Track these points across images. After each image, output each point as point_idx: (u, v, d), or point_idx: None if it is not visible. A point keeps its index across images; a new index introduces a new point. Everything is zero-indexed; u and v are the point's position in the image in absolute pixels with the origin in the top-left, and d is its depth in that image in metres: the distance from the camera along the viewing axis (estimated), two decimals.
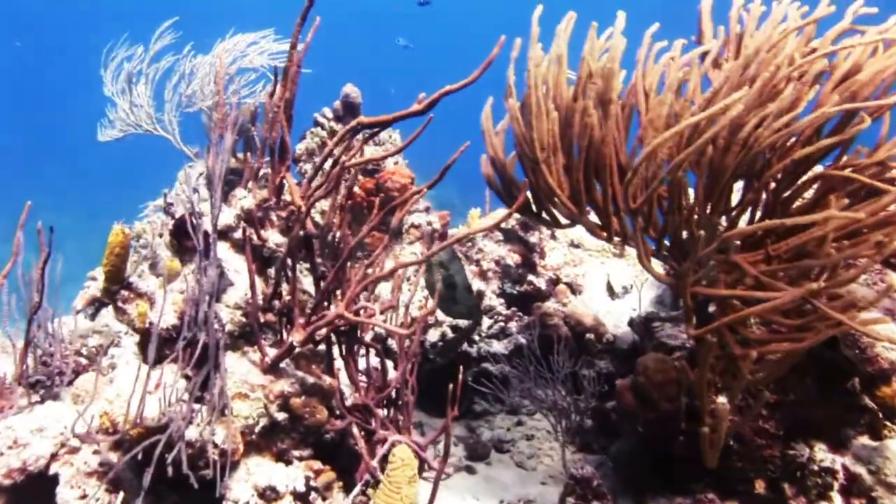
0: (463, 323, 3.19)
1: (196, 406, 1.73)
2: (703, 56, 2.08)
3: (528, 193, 2.28)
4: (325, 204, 2.23)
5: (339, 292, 2.01)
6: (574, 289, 3.41)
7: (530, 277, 3.43)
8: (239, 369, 1.89)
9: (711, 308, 2.09)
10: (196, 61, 3.95)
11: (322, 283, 1.96)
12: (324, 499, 1.89)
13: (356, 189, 3.32)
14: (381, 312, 2.10)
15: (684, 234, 1.97)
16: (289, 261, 1.94)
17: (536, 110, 2.01)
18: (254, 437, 1.85)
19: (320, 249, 2.08)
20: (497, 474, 2.70)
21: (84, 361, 2.09)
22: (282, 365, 1.94)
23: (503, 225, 3.61)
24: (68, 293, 1.90)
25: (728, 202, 1.95)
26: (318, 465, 1.93)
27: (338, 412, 2.03)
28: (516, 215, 3.18)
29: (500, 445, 2.89)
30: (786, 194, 1.97)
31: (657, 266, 2.10)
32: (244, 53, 3.96)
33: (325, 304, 1.99)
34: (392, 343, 2.71)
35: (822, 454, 2.00)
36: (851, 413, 2.02)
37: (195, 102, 3.93)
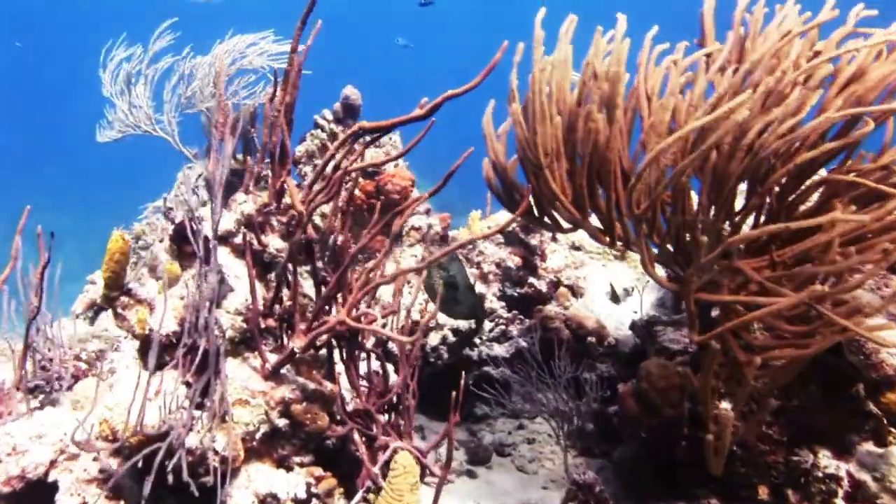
0: (463, 326, 3.17)
1: (196, 413, 1.72)
2: (709, 60, 2.07)
3: (530, 197, 2.27)
4: (325, 207, 2.22)
5: (339, 296, 2.00)
6: (575, 291, 3.40)
7: (531, 280, 3.41)
8: (240, 375, 1.88)
9: (715, 313, 2.08)
10: (195, 62, 3.94)
11: (323, 289, 1.95)
12: None
13: (357, 192, 3.30)
14: (383, 317, 2.08)
15: (688, 238, 1.95)
16: (289, 266, 1.93)
17: (540, 115, 1.99)
18: (254, 443, 1.83)
19: (321, 254, 2.06)
20: (498, 479, 2.69)
21: (83, 366, 2.08)
22: (283, 371, 1.92)
23: (503, 223, 3.60)
24: (68, 292, 1.90)
25: (732, 207, 1.93)
26: (319, 471, 1.91)
27: (338, 417, 2.01)
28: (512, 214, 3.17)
29: (502, 449, 2.88)
30: (790, 198, 1.95)
31: (661, 271, 2.09)
32: (243, 54, 3.95)
33: (327, 308, 1.98)
34: (393, 346, 2.70)
35: (827, 460, 1.99)
36: (856, 419, 2.01)
37: (195, 104, 3.92)
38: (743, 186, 2.03)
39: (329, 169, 1.91)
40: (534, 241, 3.48)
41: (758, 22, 2.12)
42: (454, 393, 1.86)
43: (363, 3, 20.14)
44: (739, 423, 1.94)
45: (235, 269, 2.01)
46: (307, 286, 2.10)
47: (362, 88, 3.82)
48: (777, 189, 1.97)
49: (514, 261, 3.41)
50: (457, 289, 2.52)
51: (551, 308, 3.19)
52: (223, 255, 2.02)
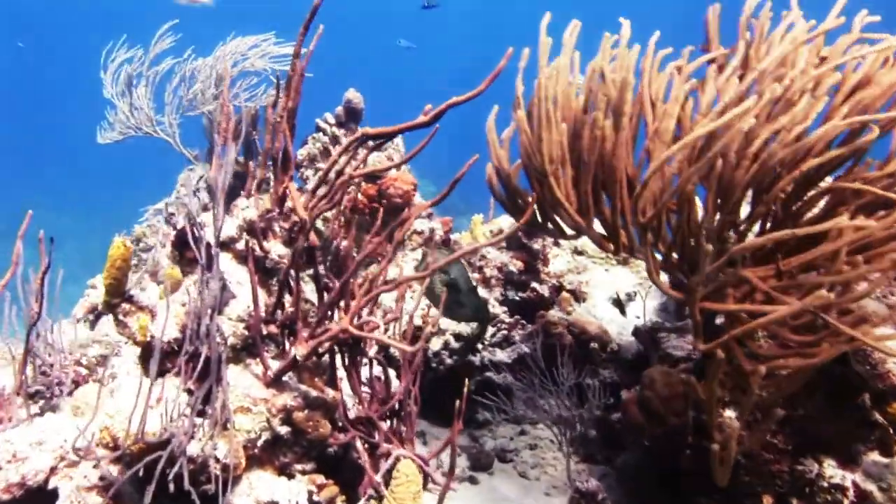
0: (465, 330, 3.16)
1: (198, 420, 1.71)
2: (718, 67, 2.05)
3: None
4: (328, 212, 2.21)
5: (342, 302, 1.98)
6: (578, 296, 3.38)
7: (533, 284, 3.40)
8: (241, 383, 1.86)
9: (719, 320, 2.07)
10: (196, 64, 3.93)
11: (325, 296, 1.94)
12: None
13: (359, 196, 3.29)
14: (385, 324, 2.07)
15: (693, 246, 1.94)
16: (292, 272, 1.91)
17: (546, 122, 1.98)
18: (256, 451, 1.82)
19: (323, 259, 2.05)
20: (500, 485, 2.68)
21: (84, 371, 2.07)
22: (284, 378, 1.91)
23: (506, 230, 3.59)
24: (68, 294, 1.88)
25: (737, 215, 1.92)
26: (321, 479, 1.90)
27: (340, 425, 2.00)
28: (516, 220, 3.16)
29: (504, 455, 2.86)
30: (796, 206, 1.94)
31: (664, 277, 2.08)
32: (245, 56, 3.94)
33: (329, 314, 1.97)
34: (395, 351, 2.69)
35: (832, 470, 1.97)
36: (862, 429, 2.00)
37: (196, 106, 3.92)
38: (748, 193, 2.02)
39: (332, 174, 1.90)
40: (536, 245, 3.46)
41: (763, 27, 2.11)
42: (458, 402, 1.85)
43: (364, 5, 20.15)
44: (745, 433, 1.93)
45: (237, 276, 1.99)
46: (308, 290, 2.09)
47: (364, 90, 3.81)
48: (782, 197, 1.96)
49: (516, 265, 3.40)
50: (459, 291, 2.51)
51: (554, 313, 3.17)
52: (225, 261, 2.01)
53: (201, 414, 1.74)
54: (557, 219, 2.28)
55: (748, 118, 1.66)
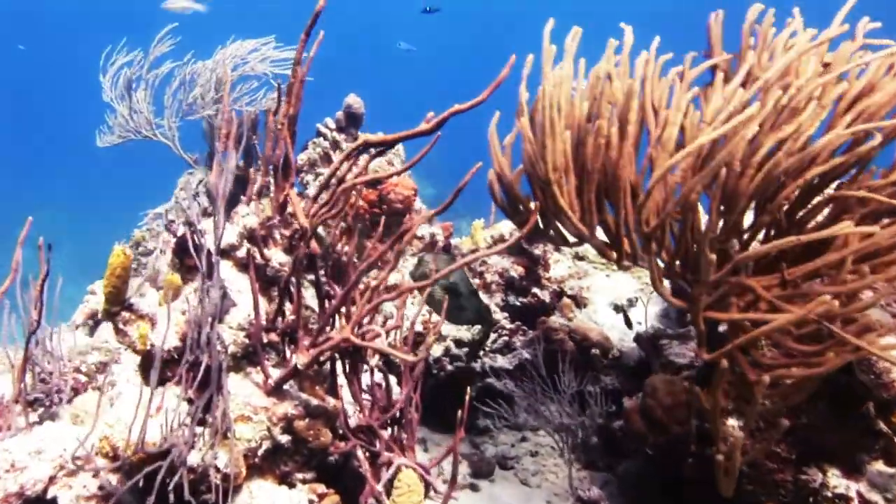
0: (466, 336, 3.15)
1: (198, 429, 1.70)
2: (725, 76, 2.04)
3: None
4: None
5: (343, 308, 1.97)
6: (579, 302, 3.37)
7: (534, 290, 3.39)
8: (242, 391, 1.85)
9: (722, 328, 2.06)
10: (196, 67, 3.92)
11: (326, 304, 1.93)
12: None
13: (359, 202, 3.28)
14: (386, 332, 2.06)
15: (696, 253, 1.93)
16: (293, 280, 1.90)
17: (550, 130, 1.97)
18: (257, 460, 1.81)
19: (324, 266, 2.04)
20: (501, 492, 2.67)
21: (83, 379, 2.05)
22: (285, 386, 1.90)
23: (507, 236, 3.58)
24: (66, 294, 1.87)
25: (741, 224, 1.91)
26: (321, 488, 1.89)
27: (341, 433, 1.99)
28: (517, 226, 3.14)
29: (504, 462, 2.85)
30: (800, 214, 1.93)
31: (669, 287, 2.06)
32: (245, 60, 3.93)
33: (330, 323, 1.96)
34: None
35: (836, 480, 1.96)
36: (866, 438, 1.98)
37: (196, 110, 3.90)
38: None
39: (333, 181, 1.89)
40: (537, 250, 3.45)
41: (767, 34, 2.10)
42: (459, 412, 1.84)
43: (365, 9, 20.15)
44: (749, 442, 1.92)
45: (238, 284, 1.98)
46: (308, 296, 2.08)
47: (365, 95, 3.80)
48: (786, 205, 1.95)
49: (517, 270, 3.38)
50: (460, 295, 2.49)
51: (555, 319, 3.16)
52: (225, 268, 2.00)
53: (202, 423, 1.73)
54: (559, 226, 2.27)
55: (752, 126, 1.65)
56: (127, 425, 1.63)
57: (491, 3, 22.57)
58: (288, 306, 1.95)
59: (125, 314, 1.94)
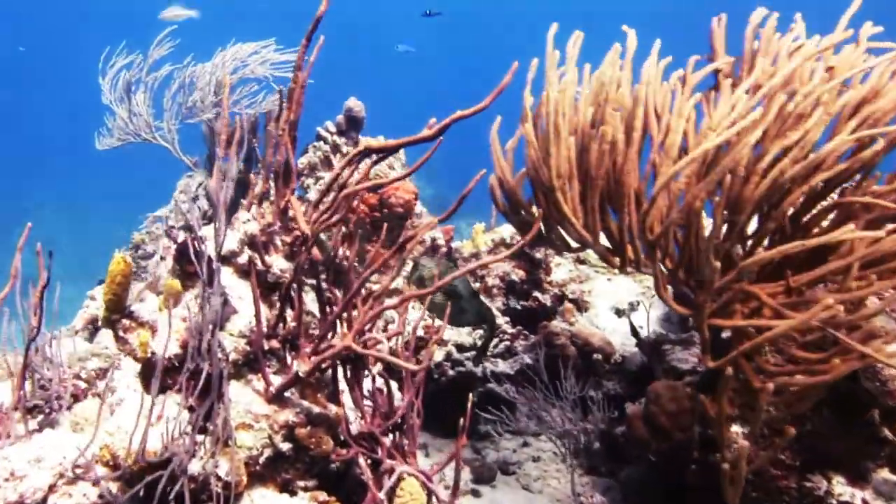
0: (468, 340, 3.13)
1: (199, 437, 1.69)
2: (732, 82, 2.03)
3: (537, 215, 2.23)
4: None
5: (344, 314, 1.96)
6: (580, 306, 3.36)
7: (535, 293, 3.38)
8: (243, 399, 1.84)
9: (726, 334, 2.05)
10: (195, 69, 3.91)
11: (328, 310, 1.91)
12: None
13: (360, 206, 3.27)
14: (388, 338, 2.04)
15: (700, 260, 1.92)
16: (294, 286, 1.89)
17: (554, 136, 1.96)
18: (258, 467, 1.80)
19: (326, 272, 2.03)
20: (503, 498, 2.65)
21: (83, 385, 2.04)
22: (286, 394, 1.89)
23: (508, 239, 3.57)
24: (66, 294, 1.86)
25: (745, 231, 1.90)
26: (323, 495, 1.88)
27: (342, 440, 1.98)
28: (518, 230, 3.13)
29: (506, 467, 2.83)
30: (804, 220, 1.92)
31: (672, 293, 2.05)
32: (245, 63, 3.92)
33: (332, 329, 1.94)
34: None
35: (841, 487, 1.95)
36: (871, 446, 1.97)
37: (196, 113, 3.89)
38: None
39: (334, 187, 1.88)
40: (538, 254, 3.44)
41: (769, 41, 2.09)
42: (461, 420, 1.83)
43: (366, 13, 20.14)
44: (753, 449, 1.90)
45: (239, 290, 1.97)
46: (309, 300, 2.06)
47: (365, 98, 3.79)
48: (791, 212, 1.94)
49: (518, 274, 3.37)
50: (460, 297, 2.48)
51: (556, 324, 3.15)
52: (226, 275, 1.98)
53: (203, 431, 1.72)
54: (562, 231, 2.26)
55: (757, 131, 1.64)
56: (127, 434, 1.62)
57: (491, 5, 22.57)
58: (289, 313, 1.94)
59: (125, 322, 1.93)
